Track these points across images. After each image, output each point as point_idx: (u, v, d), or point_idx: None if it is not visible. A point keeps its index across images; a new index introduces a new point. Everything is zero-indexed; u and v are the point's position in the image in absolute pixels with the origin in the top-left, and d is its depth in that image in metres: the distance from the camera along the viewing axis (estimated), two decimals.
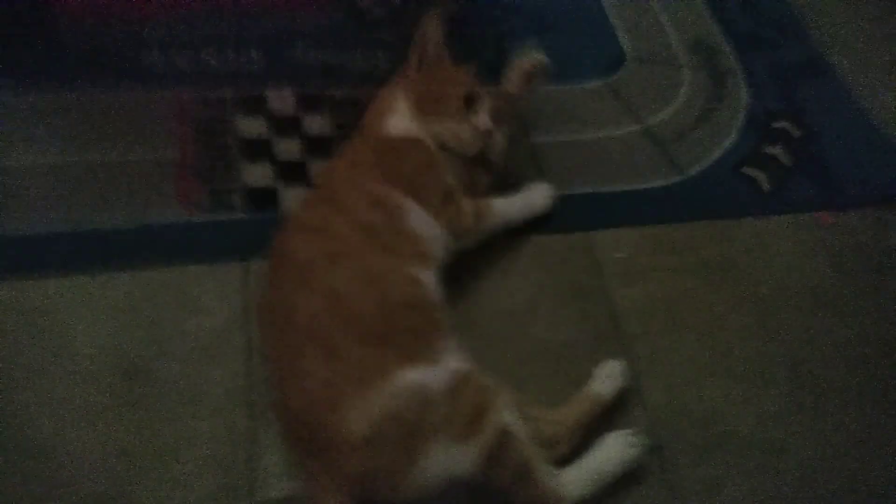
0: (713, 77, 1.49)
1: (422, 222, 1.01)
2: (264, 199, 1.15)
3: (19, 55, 1.22)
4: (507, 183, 1.19)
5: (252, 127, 1.23)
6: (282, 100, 1.27)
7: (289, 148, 1.22)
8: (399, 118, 1.08)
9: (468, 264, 1.12)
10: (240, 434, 0.94)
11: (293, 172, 1.19)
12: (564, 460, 0.93)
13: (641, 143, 1.35)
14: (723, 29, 1.58)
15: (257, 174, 1.17)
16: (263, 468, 0.92)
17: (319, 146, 1.21)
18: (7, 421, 0.90)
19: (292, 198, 1.15)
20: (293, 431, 0.89)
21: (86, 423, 0.91)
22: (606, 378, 1.02)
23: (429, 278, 0.98)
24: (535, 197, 1.18)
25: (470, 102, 1.08)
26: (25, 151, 1.12)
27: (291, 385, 0.88)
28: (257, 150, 1.20)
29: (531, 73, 1.20)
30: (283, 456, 0.93)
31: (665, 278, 1.18)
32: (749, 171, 1.35)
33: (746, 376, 1.10)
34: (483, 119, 1.08)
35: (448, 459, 0.84)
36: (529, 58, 1.20)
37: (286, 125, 1.24)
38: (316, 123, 1.25)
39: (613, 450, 0.96)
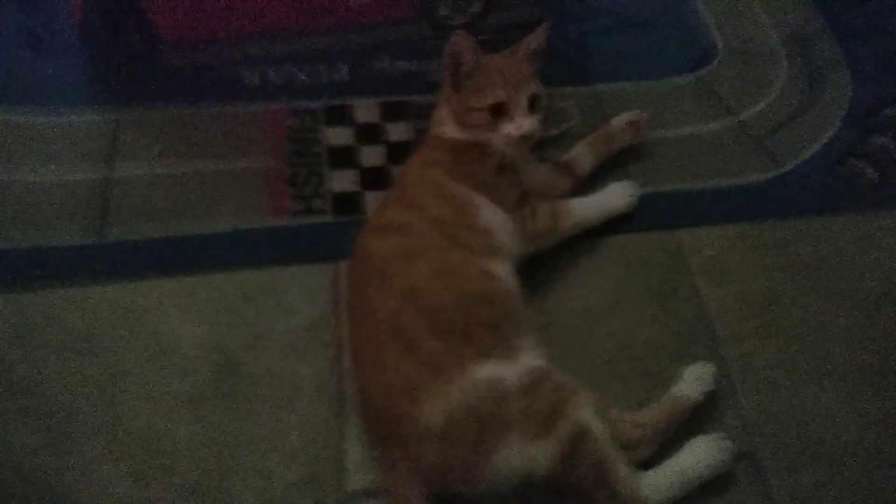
0: (813, 67, 1.41)
1: (494, 217, 1.02)
2: (349, 203, 1.19)
3: (128, 74, 1.33)
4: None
5: (339, 136, 1.28)
6: (367, 109, 1.32)
7: (372, 154, 1.26)
8: (450, 127, 1.08)
9: (548, 262, 1.12)
10: (327, 427, 0.98)
11: (376, 177, 1.23)
12: (650, 463, 0.91)
13: (735, 137, 1.29)
14: (824, 16, 1.49)
15: (343, 180, 1.22)
16: (350, 460, 0.95)
17: (401, 151, 1.24)
18: (112, 411, 0.97)
19: (374, 201, 1.18)
20: (375, 424, 0.93)
21: (183, 414, 0.98)
22: (695, 380, 0.98)
23: (504, 272, 0.99)
24: (616, 196, 1.16)
25: (498, 111, 1.04)
26: (131, 163, 1.22)
27: (373, 379, 0.91)
28: (343, 157, 1.25)
29: (636, 123, 1.23)
30: (368, 449, 0.96)
31: (759, 277, 1.13)
32: (854, 162, 1.26)
33: (848, 382, 1.03)
34: (513, 126, 1.04)
35: (523, 456, 0.84)
36: (634, 112, 1.24)
37: (370, 133, 1.28)
38: (398, 130, 1.29)
39: (702, 453, 0.92)
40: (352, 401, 0.99)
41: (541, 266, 1.10)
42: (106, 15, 1.34)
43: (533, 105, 1.05)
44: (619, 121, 1.23)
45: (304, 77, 1.35)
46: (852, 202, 1.21)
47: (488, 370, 0.86)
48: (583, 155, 1.19)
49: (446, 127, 1.09)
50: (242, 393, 1.00)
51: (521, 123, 1.04)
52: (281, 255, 1.13)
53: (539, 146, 1.25)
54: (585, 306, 1.10)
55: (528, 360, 0.90)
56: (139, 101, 1.29)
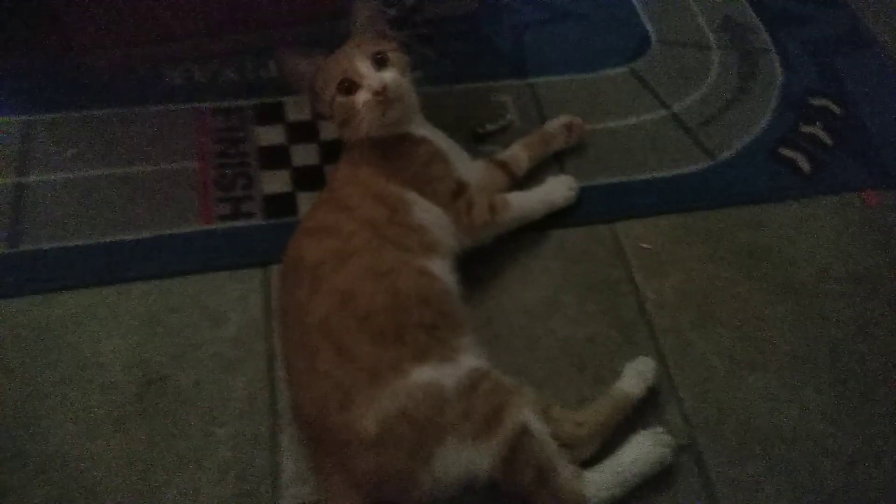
0: (744, 57, 1.42)
1: (427, 214, 1.00)
2: (281, 205, 1.15)
3: (41, 76, 1.25)
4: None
5: (269, 135, 1.23)
6: (298, 107, 1.27)
7: (305, 153, 1.22)
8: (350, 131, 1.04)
9: (487, 259, 1.10)
10: (262, 440, 0.94)
11: (310, 177, 1.18)
12: (592, 461, 0.90)
13: (669, 129, 1.30)
14: (754, 5, 1.51)
15: (274, 181, 1.18)
16: (285, 474, 0.91)
17: (335, 150, 1.20)
18: (32, 429, 0.91)
19: (308, 202, 1.14)
20: (309, 434, 0.89)
21: (108, 431, 0.92)
22: (635, 376, 0.98)
23: (442, 270, 0.96)
24: (556, 190, 1.15)
25: (350, 89, 1.00)
26: (48, 168, 1.15)
27: (305, 387, 0.87)
28: (274, 157, 1.21)
29: (572, 126, 1.23)
30: (304, 461, 0.92)
31: (696, 268, 1.13)
32: (786, 152, 1.28)
33: (787, 369, 1.04)
34: (356, 98, 0.99)
35: (464, 459, 0.82)
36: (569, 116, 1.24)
37: (302, 131, 1.24)
38: (332, 128, 1.24)
39: (642, 449, 0.91)
40: (286, 411, 0.95)
41: (480, 263, 1.08)
42: (18, 16, 1.26)
43: (382, 62, 1.01)
44: (554, 124, 1.22)
45: (231, 74, 1.30)
46: (785, 191, 1.23)
47: (426, 374, 0.84)
48: (519, 156, 1.17)
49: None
50: (169, 408, 0.95)
51: (371, 82, 0.98)
52: (209, 262, 1.08)
53: (478, 141, 1.24)
54: (525, 303, 1.08)
55: (467, 362, 0.87)
56: (53, 104, 1.22)
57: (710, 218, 1.19)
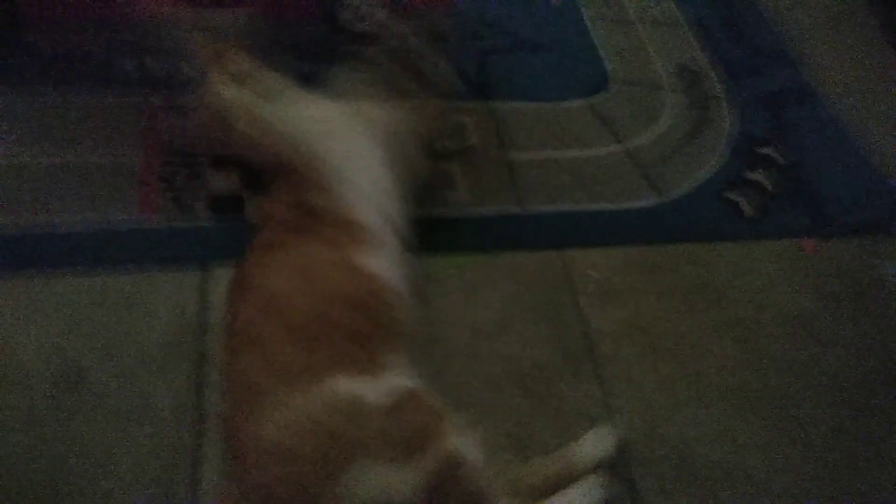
0: (697, 102, 1.47)
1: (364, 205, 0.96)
2: (229, 205, 1.11)
3: None
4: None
5: None
6: None
7: None
8: None
9: (435, 277, 1.08)
10: (184, 448, 0.89)
11: (261, 179, 1.15)
12: None
13: (622, 164, 1.32)
14: (709, 55, 1.57)
15: (223, 181, 1.14)
16: (204, 485, 0.86)
17: None
18: None
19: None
20: (224, 439, 0.83)
21: (22, 430, 0.86)
22: (595, 445, 0.95)
23: (383, 268, 0.90)
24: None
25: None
26: None
27: (225, 389, 0.82)
28: (227, 156, 1.17)
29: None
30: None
31: (641, 300, 1.14)
32: (731, 195, 1.32)
33: (724, 405, 1.05)
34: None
35: (379, 483, 0.75)
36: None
37: None
38: None
39: (580, 494, 0.90)
40: (215, 419, 0.90)
41: (429, 280, 1.07)
42: None
43: None
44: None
45: (186, 69, 1.26)
46: (730, 232, 1.26)
47: (344, 385, 0.77)
48: None
49: None
50: (92, 407, 0.89)
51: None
52: (148, 258, 1.03)
53: (439, 158, 1.24)
54: (473, 323, 1.07)
55: (393, 379, 0.81)
56: None
57: (658, 252, 1.21)
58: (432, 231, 1.14)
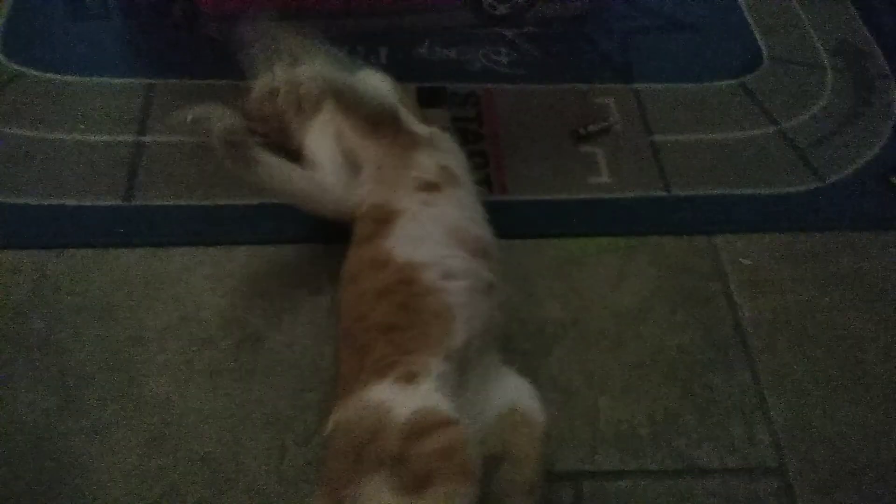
0: (860, 80, 1.38)
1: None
2: None
3: (167, 44, 1.31)
4: None
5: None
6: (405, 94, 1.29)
7: None
8: None
9: (578, 260, 1.09)
10: None
11: None
12: None
13: (777, 147, 1.26)
14: (873, 30, 1.46)
15: None
16: None
17: None
18: (127, 377, 0.95)
19: None
20: None
21: (201, 385, 0.95)
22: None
23: (417, 254, 0.86)
24: None
25: None
26: (162, 130, 1.19)
27: None
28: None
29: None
30: None
31: (796, 289, 1.10)
32: None
33: (885, 401, 0.99)
34: None
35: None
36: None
37: None
38: (434, 116, 1.26)
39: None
40: None
41: (572, 263, 1.08)
42: None
43: None
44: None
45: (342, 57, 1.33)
46: (894, 220, 1.18)
47: (377, 392, 0.74)
48: None
49: None
50: (262, 368, 0.97)
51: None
52: (302, 233, 1.10)
53: (578, 141, 1.24)
54: (616, 307, 1.07)
55: (424, 393, 0.74)
56: (175, 71, 1.27)
57: (815, 240, 1.15)
58: (575, 213, 1.15)
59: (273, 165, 0.97)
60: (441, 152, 0.99)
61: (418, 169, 0.95)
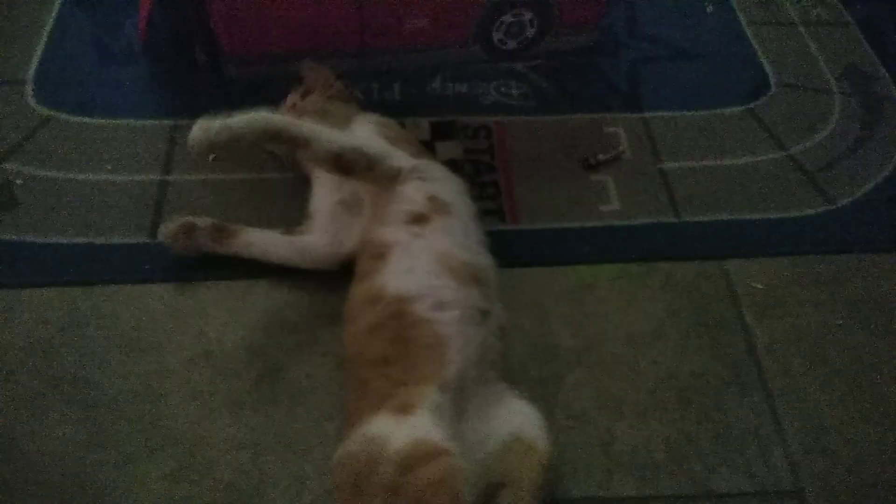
0: (868, 104, 1.39)
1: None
2: None
3: (190, 85, 1.37)
4: None
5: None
6: (418, 128, 1.33)
7: None
8: None
9: (591, 286, 1.11)
10: None
11: None
12: None
13: (786, 171, 1.28)
14: (880, 55, 1.48)
15: None
16: None
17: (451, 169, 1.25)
18: (153, 409, 0.98)
19: None
20: None
21: (224, 416, 0.98)
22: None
23: (406, 286, 0.88)
24: None
25: None
26: (186, 168, 1.23)
27: None
28: None
29: None
30: None
31: (809, 313, 1.10)
32: None
33: None
34: None
35: None
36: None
37: None
38: (447, 148, 1.29)
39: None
40: None
41: (584, 289, 1.10)
42: (172, 28, 1.38)
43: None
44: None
45: (358, 94, 1.37)
46: None
47: (377, 424, 0.77)
48: None
49: None
50: (283, 398, 1.00)
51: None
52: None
53: (588, 170, 1.26)
54: (628, 332, 1.08)
55: (419, 424, 0.76)
56: (198, 111, 1.30)
57: (827, 263, 1.16)
58: (587, 241, 1.17)
59: (251, 241, 1.07)
60: (429, 182, 1.01)
61: (406, 202, 0.97)
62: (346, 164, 0.97)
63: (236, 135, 0.92)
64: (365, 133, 1.08)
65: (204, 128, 0.92)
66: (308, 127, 0.96)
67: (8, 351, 1.02)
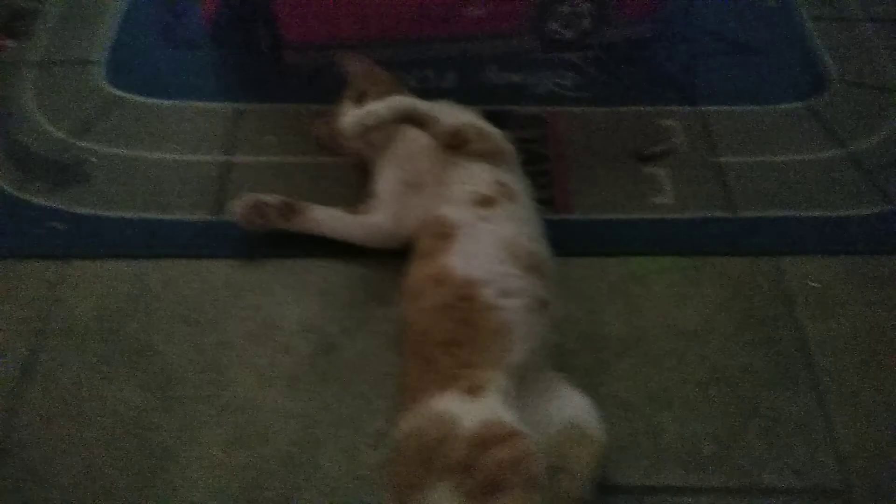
0: None
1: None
2: None
3: (253, 70, 1.41)
4: None
5: None
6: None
7: None
8: None
9: (641, 279, 1.12)
10: None
11: None
12: None
13: (845, 169, 1.26)
14: None
15: None
16: None
17: None
18: (215, 379, 1.03)
19: None
20: None
21: (281, 388, 1.02)
22: None
23: (474, 269, 0.89)
24: None
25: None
26: (249, 150, 1.28)
27: None
28: None
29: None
30: None
31: (864, 312, 1.09)
32: None
33: None
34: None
35: None
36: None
37: None
38: None
39: None
40: None
41: (634, 282, 1.10)
42: (236, 15, 1.42)
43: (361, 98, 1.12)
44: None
45: (413, 83, 1.40)
46: None
47: (445, 402, 0.79)
48: None
49: None
50: (337, 374, 1.03)
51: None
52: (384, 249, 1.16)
53: (641, 162, 1.26)
54: (679, 325, 1.08)
55: (490, 405, 0.78)
56: (261, 96, 1.36)
57: (883, 263, 1.14)
58: (639, 233, 1.18)
59: (319, 219, 1.11)
60: (500, 168, 1.03)
61: (474, 183, 0.99)
62: (462, 137, 1.02)
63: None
64: (467, 115, 1.10)
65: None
66: (432, 107, 1.04)
67: (79, 319, 1.07)
